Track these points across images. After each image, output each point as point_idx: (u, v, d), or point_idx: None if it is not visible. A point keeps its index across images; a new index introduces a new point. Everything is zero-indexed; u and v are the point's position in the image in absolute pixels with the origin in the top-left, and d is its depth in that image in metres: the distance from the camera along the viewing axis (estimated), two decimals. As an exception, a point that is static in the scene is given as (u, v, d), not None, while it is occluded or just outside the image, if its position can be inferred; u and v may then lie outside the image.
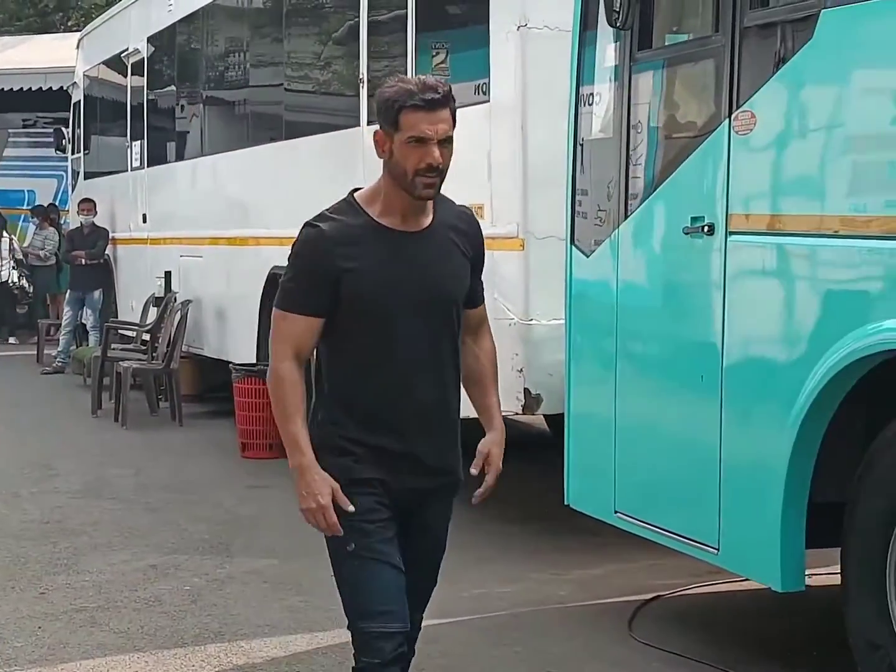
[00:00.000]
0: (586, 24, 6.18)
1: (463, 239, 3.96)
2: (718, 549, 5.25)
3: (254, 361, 11.01)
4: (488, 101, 7.59)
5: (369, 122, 9.23)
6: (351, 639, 3.88)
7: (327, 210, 3.91)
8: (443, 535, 4.10)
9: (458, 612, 6.34)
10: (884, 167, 4.57)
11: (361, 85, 9.32)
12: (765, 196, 5.08)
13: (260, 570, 7.15)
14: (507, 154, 7.48)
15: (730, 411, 5.18)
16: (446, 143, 3.77)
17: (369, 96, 9.24)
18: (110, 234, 15.75)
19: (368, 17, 9.26)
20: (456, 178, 8.03)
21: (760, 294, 5.11)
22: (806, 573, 5.09)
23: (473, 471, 3.99)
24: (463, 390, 4.05)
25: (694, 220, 5.34)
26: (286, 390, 3.83)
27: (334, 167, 9.79)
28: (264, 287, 10.88)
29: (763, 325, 5.10)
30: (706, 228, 5.26)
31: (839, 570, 4.96)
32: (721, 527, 5.23)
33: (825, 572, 5.99)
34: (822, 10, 4.71)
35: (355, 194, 3.92)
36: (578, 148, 6.29)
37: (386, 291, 3.81)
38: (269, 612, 6.39)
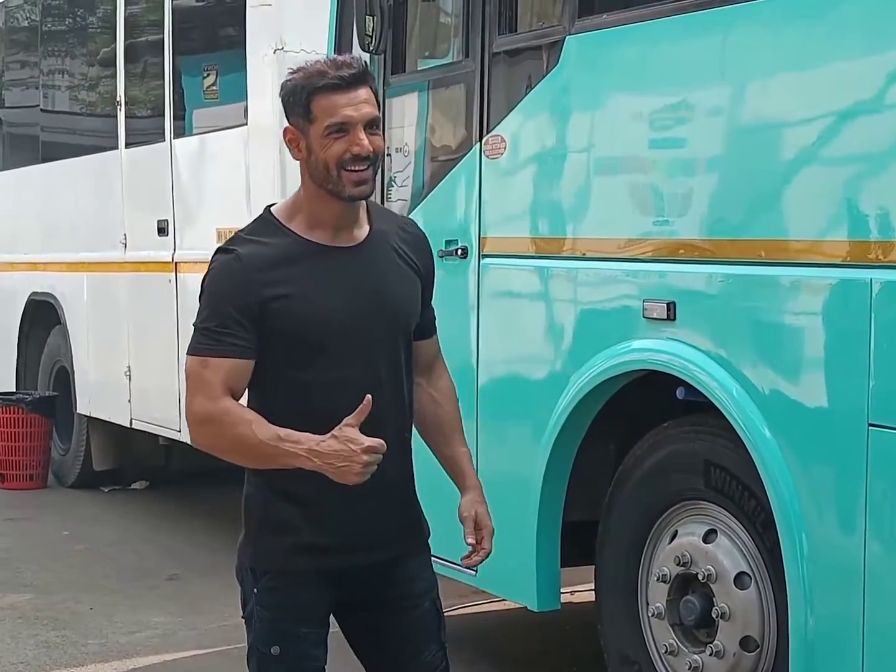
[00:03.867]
0: (341, 48, 6.17)
1: (409, 254, 3.28)
2: (476, 571, 5.27)
3: (13, 389, 10.73)
4: (246, 124, 7.54)
5: (127, 145, 9.08)
6: None
7: (241, 231, 3.21)
8: (434, 599, 3.38)
9: (219, 642, 6.25)
10: (629, 190, 4.65)
11: (119, 107, 9.17)
12: (516, 219, 5.14)
13: (15, 605, 6.95)
14: (266, 176, 7.43)
15: (484, 433, 5.21)
16: (373, 127, 3.12)
17: (127, 118, 9.10)
18: None
19: (125, 39, 9.12)
20: (215, 201, 8.05)
21: (513, 316, 5.16)
22: (567, 591, 5.15)
23: (470, 540, 3.32)
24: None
25: (448, 243, 5.36)
26: (236, 416, 3.06)
27: (92, 191, 9.61)
28: (23, 314, 10.65)
29: (516, 347, 5.15)
30: (460, 251, 5.29)
31: (594, 588, 5.03)
32: (478, 548, 5.24)
33: (587, 588, 6.06)
34: (567, 37, 4.79)
35: (272, 209, 3.23)
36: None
37: (323, 322, 3.12)
38: (24, 648, 6.21)
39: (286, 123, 3.17)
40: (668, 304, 4.36)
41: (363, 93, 3.10)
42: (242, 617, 3.26)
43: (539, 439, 4.89)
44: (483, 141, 5.19)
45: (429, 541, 3.42)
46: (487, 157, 5.18)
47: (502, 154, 5.13)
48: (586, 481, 4.98)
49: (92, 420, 9.71)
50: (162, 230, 8.43)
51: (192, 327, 3.15)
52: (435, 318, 3.45)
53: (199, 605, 6.90)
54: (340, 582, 3.21)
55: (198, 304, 3.16)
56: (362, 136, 3.08)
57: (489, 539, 3.35)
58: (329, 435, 2.99)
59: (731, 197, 4.27)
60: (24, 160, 10.88)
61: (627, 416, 4.83)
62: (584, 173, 4.87)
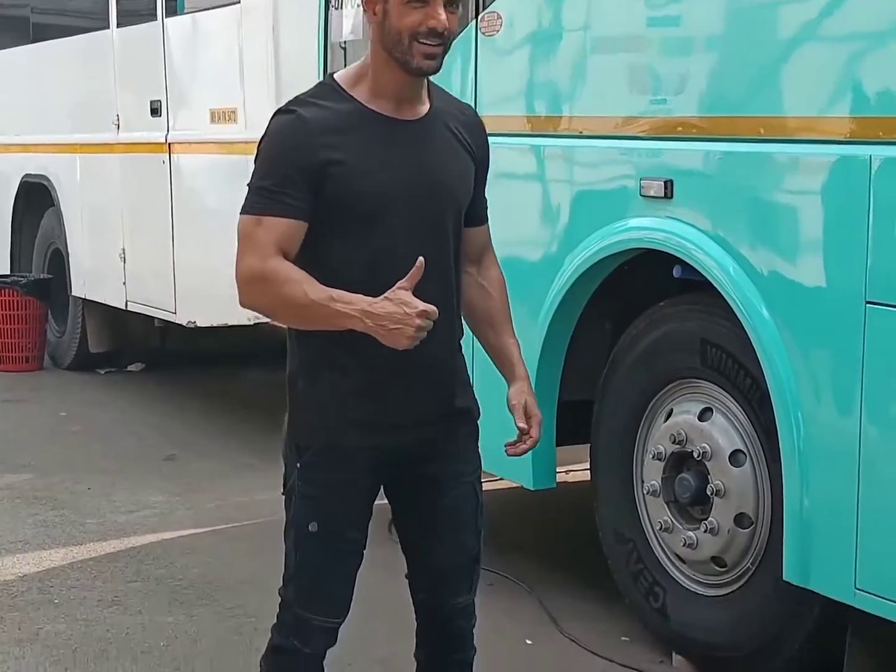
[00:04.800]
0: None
1: (466, 136, 3.23)
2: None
3: (7, 272, 10.72)
4: (238, 2, 7.44)
5: (118, 24, 8.98)
6: (279, 606, 3.30)
7: (303, 94, 3.13)
8: (474, 482, 3.34)
9: (216, 521, 6.31)
10: (626, 67, 4.61)
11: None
12: (512, 97, 5.09)
13: (14, 485, 6.98)
14: (258, 56, 7.35)
15: (481, 313, 5.19)
16: (453, 5, 3.05)
17: (118, -1, 8.99)
18: None
19: None
20: (208, 81, 7.97)
21: (509, 196, 5.09)
22: (560, 470, 5.17)
23: (522, 425, 3.27)
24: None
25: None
26: (286, 275, 3.00)
27: (84, 71, 9.51)
28: (16, 196, 10.60)
29: (512, 228, 5.09)
30: (456, 130, 5.24)
31: (589, 467, 5.05)
32: (475, 427, 5.26)
33: (583, 468, 6.10)
34: None
35: (335, 76, 3.17)
36: (329, 51, 6.20)
37: (381, 190, 3.08)
38: (23, 528, 6.25)
39: None
40: (665, 182, 4.34)
41: None
42: (282, 493, 3.25)
43: (535, 319, 4.88)
44: (479, 18, 5.12)
45: (478, 423, 3.36)
46: (483, 34, 5.11)
47: (498, 31, 5.06)
48: (582, 361, 4.98)
49: (87, 302, 9.70)
50: (155, 111, 8.35)
51: (246, 188, 3.08)
52: (487, 207, 3.39)
53: (196, 485, 6.94)
54: (385, 460, 3.19)
55: (252, 166, 3.10)
56: (441, 10, 3.01)
57: (538, 427, 3.31)
58: (382, 297, 2.96)
59: (730, 74, 4.23)
60: (14, 40, 10.75)
61: (624, 295, 4.82)
62: (582, 51, 4.81)
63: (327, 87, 3.14)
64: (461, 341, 3.31)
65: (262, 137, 3.10)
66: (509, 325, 3.48)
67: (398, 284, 2.97)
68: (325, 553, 3.20)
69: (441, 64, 3.08)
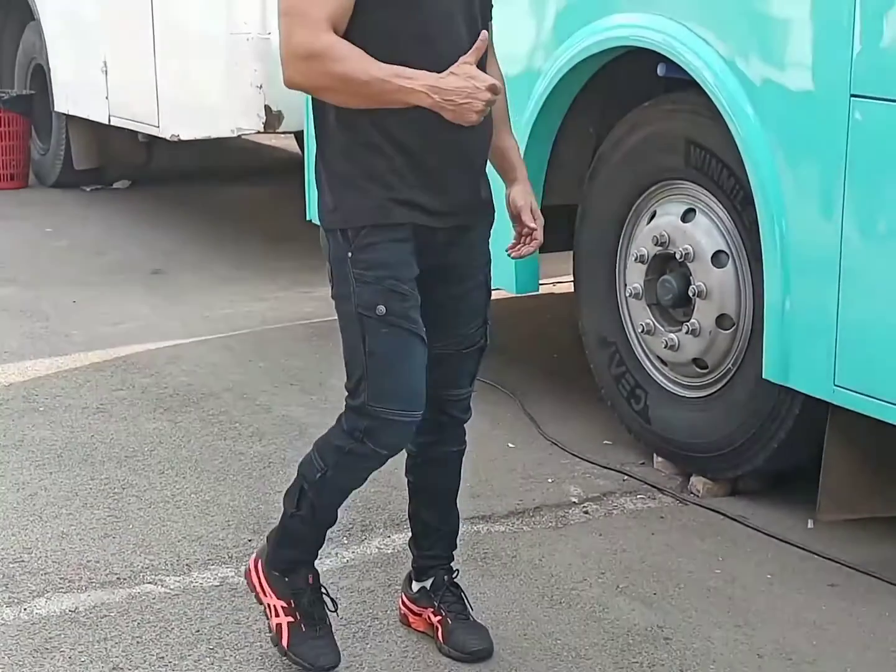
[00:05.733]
0: None
1: None
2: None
3: (-10, 89, 10.57)
4: None
5: None
6: (346, 416, 3.22)
7: None
8: (487, 273, 3.38)
9: (202, 331, 6.31)
10: None
11: None
12: None
13: (-2, 298, 6.98)
14: None
15: (464, 117, 5.12)
16: None
17: None
18: None
19: None
20: None
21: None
22: (546, 282, 5.16)
23: (533, 224, 3.32)
24: None
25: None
26: (344, 51, 2.94)
27: None
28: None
29: (496, 27, 5.02)
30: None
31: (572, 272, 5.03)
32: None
33: (567, 280, 6.08)
34: None
35: None
36: None
37: None
38: (8, 339, 6.23)
39: None
40: (650, -23, 4.25)
41: None
42: (333, 294, 3.19)
43: (518, 122, 4.73)
44: None
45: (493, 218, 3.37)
46: None
47: None
48: (566, 165, 4.93)
49: (71, 118, 9.56)
50: (135, -83, 8.14)
51: None
52: (492, 4, 3.35)
53: (182, 298, 6.93)
54: (422, 243, 3.16)
55: None
56: None
57: (541, 228, 3.34)
58: (447, 72, 2.92)
59: None
60: None
61: (607, 97, 4.76)
62: None
63: None
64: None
65: None
66: (509, 126, 3.43)
67: (462, 59, 2.94)
68: (397, 339, 3.14)
69: None
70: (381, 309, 3.10)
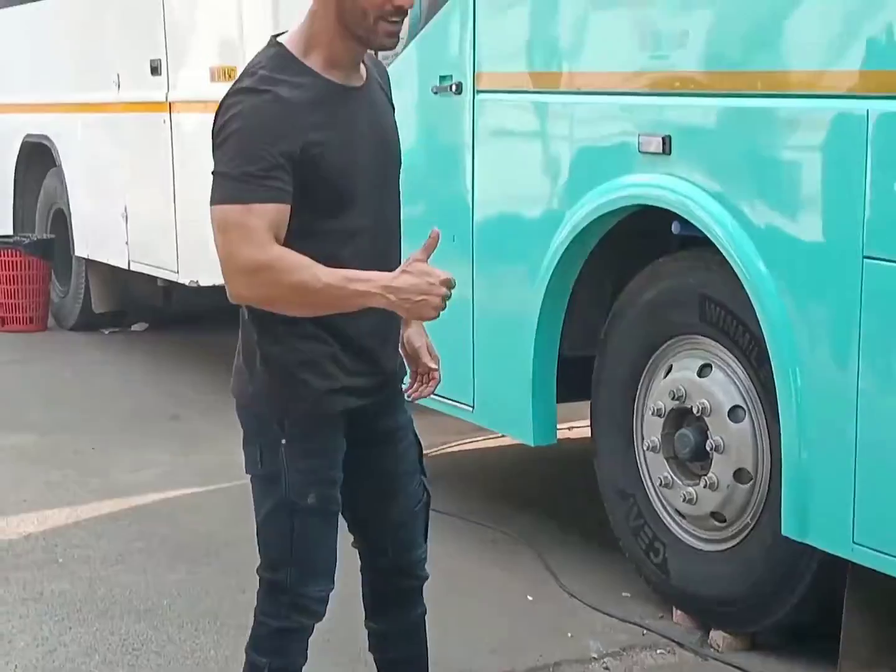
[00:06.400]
0: None
1: (385, 88, 3.25)
2: (473, 407, 5.31)
3: (10, 233, 10.71)
4: (237, -41, 7.43)
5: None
6: (267, 592, 3.23)
7: (260, 68, 2.98)
8: (412, 428, 3.36)
9: (220, 479, 6.32)
10: (625, 22, 4.58)
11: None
12: (511, 54, 5.07)
13: (17, 445, 7.00)
14: (258, 15, 7.34)
15: (481, 269, 5.20)
16: None
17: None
18: None
19: None
20: (208, 40, 7.94)
21: (509, 152, 5.12)
22: (562, 427, 5.19)
23: (434, 365, 3.35)
24: None
25: (442, 78, 5.31)
26: (292, 262, 2.91)
27: (84, 30, 9.47)
28: (18, 156, 10.60)
29: (512, 184, 5.12)
30: (454, 87, 5.24)
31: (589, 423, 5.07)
32: (475, 384, 5.28)
33: (582, 425, 6.11)
34: None
35: (283, 42, 3.03)
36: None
37: (354, 160, 3.03)
38: (27, 487, 6.27)
39: None
40: (663, 139, 4.32)
41: None
42: (256, 474, 3.16)
43: (535, 275, 4.89)
44: (477, -26, 5.11)
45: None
46: (482, -10, 5.10)
47: (497, -13, 5.05)
48: (582, 317, 4.99)
49: (90, 262, 9.70)
50: (155, 69, 8.31)
51: (215, 175, 2.93)
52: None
53: (200, 445, 6.96)
54: (352, 420, 3.17)
55: (218, 149, 2.94)
56: None
57: (440, 368, 3.39)
58: (399, 271, 2.93)
59: (726, 28, 4.21)
60: (14, -1, 10.72)
61: (624, 251, 4.82)
62: (581, 5, 4.80)
63: (282, 57, 2.99)
64: None
65: (232, 118, 2.92)
66: None
67: (413, 256, 2.95)
68: (322, 523, 3.17)
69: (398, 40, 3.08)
70: (312, 498, 3.11)
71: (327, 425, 3.14)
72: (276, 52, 3.00)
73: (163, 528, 5.68)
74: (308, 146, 2.93)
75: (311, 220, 2.99)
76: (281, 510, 3.13)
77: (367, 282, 2.92)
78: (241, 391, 3.22)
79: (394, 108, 3.28)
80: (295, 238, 2.97)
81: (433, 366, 3.36)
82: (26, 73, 10.42)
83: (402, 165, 3.25)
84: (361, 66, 3.11)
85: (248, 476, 3.22)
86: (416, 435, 3.38)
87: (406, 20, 3.06)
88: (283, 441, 3.11)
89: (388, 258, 3.12)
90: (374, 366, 3.17)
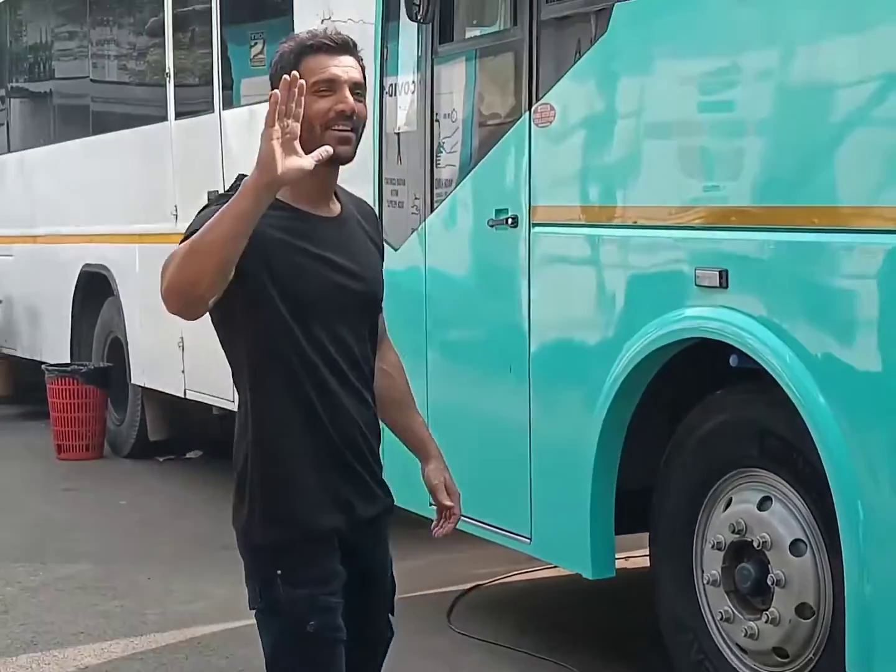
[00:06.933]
0: (388, 17, 6.17)
1: (370, 231, 3.33)
2: (531, 539, 5.29)
3: (67, 361, 10.82)
4: (295, 94, 7.54)
5: (177, 116, 9.12)
6: None
7: (229, 191, 3.08)
8: (391, 566, 3.42)
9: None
10: (679, 156, 4.64)
11: (168, 78, 9.20)
12: (566, 187, 5.13)
13: (74, 575, 7.02)
14: (315, 147, 7.43)
15: (538, 401, 5.22)
16: (359, 93, 3.12)
17: (176, 89, 9.14)
18: None
19: (173, 8, 9.15)
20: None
21: (565, 285, 5.15)
22: (622, 556, 5.16)
23: (449, 503, 3.41)
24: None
25: (498, 212, 5.37)
26: (197, 235, 2.86)
27: (142, 162, 9.65)
28: (76, 286, 10.74)
29: (568, 316, 5.15)
30: (510, 220, 5.29)
31: (648, 554, 5.04)
32: (533, 516, 5.27)
33: (642, 554, 6.07)
34: (616, 4, 4.77)
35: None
36: (385, 140, 6.27)
37: (316, 289, 3.10)
38: (84, 618, 6.27)
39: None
40: (720, 272, 4.35)
41: (350, 59, 3.13)
42: (256, 609, 3.16)
43: (593, 407, 4.89)
44: (532, 109, 5.17)
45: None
46: (537, 125, 5.16)
47: (552, 122, 5.11)
48: (640, 449, 4.98)
49: (146, 390, 9.78)
50: (212, 201, 8.43)
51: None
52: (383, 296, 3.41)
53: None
54: (343, 548, 3.19)
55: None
56: (348, 95, 3.08)
57: (459, 503, 3.43)
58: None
59: (782, 162, 4.25)
60: (74, 132, 10.93)
61: (680, 383, 4.83)
62: (634, 140, 4.85)
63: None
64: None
65: (195, 220, 3.00)
66: (414, 405, 3.53)
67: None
68: (325, 651, 3.14)
69: (355, 151, 3.12)
70: (313, 625, 3.09)
71: (321, 551, 3.15)
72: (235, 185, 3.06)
73: (220, 660, 5.67)
74: (268, 264, 3.00)
75: (263, 341, 3.08)
76: (285, 642, 3.13)
77: (239, 200, 2.82)
78: (236, 525, 3.30)
79: (381, 250, 3.36)
80: (261, 365, 3.09)
81: (449, 503, 3.41)
82: (85, 204, 10.60)
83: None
84: (335, 201, 3.21)
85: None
86: (393, 573, 3.40)
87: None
88: (279, 571, 3.12)
89: (354, 393, 3.16)
90: (348, 485, 3.18)
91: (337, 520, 3.16)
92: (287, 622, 3.11)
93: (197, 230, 2.89)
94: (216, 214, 2.85)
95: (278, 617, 3.12)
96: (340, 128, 3.07)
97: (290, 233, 3.08)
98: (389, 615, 3.38)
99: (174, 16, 9.15)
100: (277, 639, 3.14)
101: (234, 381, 3.22)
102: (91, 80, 10.76)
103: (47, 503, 8.81)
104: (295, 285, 3.07)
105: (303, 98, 2.85)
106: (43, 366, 10.75)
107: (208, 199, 3.17)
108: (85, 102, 10.85)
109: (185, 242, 2.90)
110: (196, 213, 3.10)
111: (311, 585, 3.11)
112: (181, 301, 2.90)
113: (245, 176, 2.94)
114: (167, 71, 9.22)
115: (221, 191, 8.13)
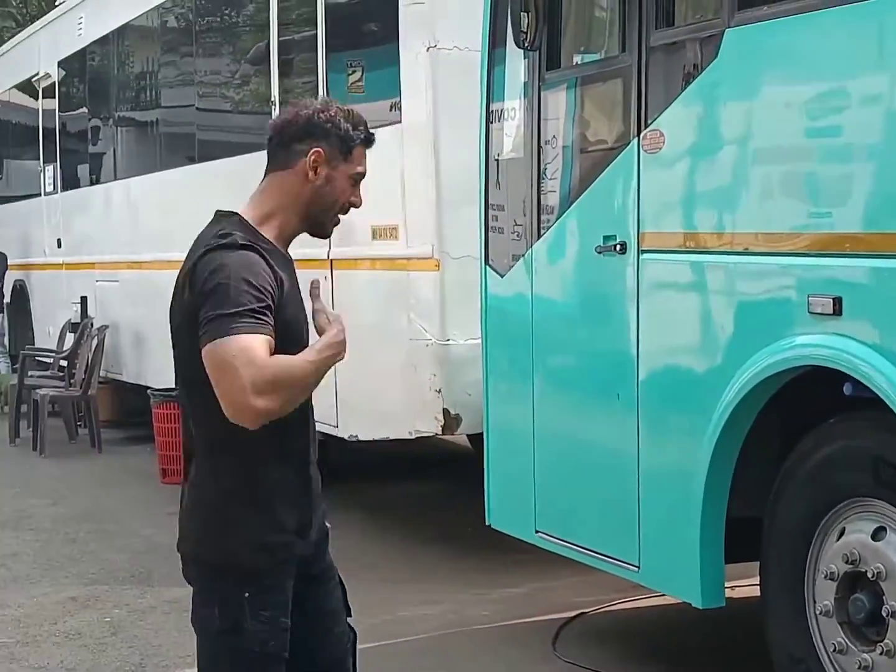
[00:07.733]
0: (495, 44, 6.19)
1: None
2: (639, 567, 5.26)
3: (172, 386, 10.90)
4: (400, 121, 7.58)
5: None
6: None
7: (233, 230, 3.35)
8: (336, 569, 3.62)
9: (376, 636, 6.29)
10: (790, 182, 4.61)
11: (273, 106, 9.28)
12: (675, 214, 5.11)
13: (181, 598, 7.02)
14: (420, 174, 7.47)
15: (646, 428, 5.19)
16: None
17: (281, 117, 9.21)
18: (8, 260, 15.64)
19: (279, 36, 9.23)
20: (370, 199, 8.09)
21: (674, 312, 5.12)
22: (728, 585, 5.11)
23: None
24: None
25: (606, 238, 5.35)
26: (286, 365, 3.18)
27: (247, 190, 9.70)
28: (181, 311, 10.84)
29: (677, 343, 5.13)
30: (618, 247, 5.28)
31: (757, 584, 4.98)
32: (641, 544, 5.24)
33: (748, 584, 6.02)
34: (726, 30, 4.75)
35: (242, 214, 3.44)
36: (490, 166, 6.29)
37: (297, 320, 3.37)
38: (191, 641, 6.18)
39: (315, 144, 3.39)
40: (833, 300, 4.30)
41: None
42: (209, 628, 3.39)
43: (703, 434, 4.85)
44: (641, 136, 5.16)
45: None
46: (646, 151, 5.15)
47: (661, 149, 5.09)
48: (751, 477, 4.93)
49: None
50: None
51: (208, 319, 3.17)
52: None
53: (367, 602, 6.94)
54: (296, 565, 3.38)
55: (208, 297, 3.20)
56: (360, 192, 3.47)
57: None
58: (330, 331, 3.30)
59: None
60: (180, 160, 11.07)
61: (792, 411, 4.78)
62: (744, 166, 4.82)
63: (245, 226, 3.37)
64: None
65: (219, 268, 3.22)
66: None
67: (323, 309, 3.36)
68: (278, 670, 3.35)
69: None
70: (273, 644, 3.31)
71: (284, 575, 3.34)
72: (238, 221, 3.41)
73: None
74: (279, 296, 3.28)
75: None
76: (240, 661, 3.33)
77: (317, 356, 3.22)
78: (194, 548, 3.53)
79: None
80: None
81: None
82: (189, 231, 10.67)
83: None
84: None
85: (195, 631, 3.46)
86: (339, 575, 3.59)
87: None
88: (246, 595, 3.29)
89: (309, 417, 3.47)
90: (309, 512, 3.42)
91: (307, 546, 3.40)
92: (248, 642, 3.30)
93: (243, 310, 3.15)
94: (310, 360, 3.20)
95: (240, 637, 3.31)
96: (340, 217, 3.48)
97: (282, 269, 3.34)
98: (350, 614, 3.60)
99: (279, 43, 9.23)
100: (232, 657, 3.35)
101: (202, 411, 3.32)
102: (197, 108, 10.89)
103: (152, 526, 8.89)
104: (286, 314, 3.31)
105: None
106: (148, 391, 10.87)
107: (224, 238, 3.33)
108: (191, 131, 10.98)
109: (280, 370, 3.14)
110: (214, 259, 3.29)
111: (275, 608, 3.31)
112: (265, 421, 3.16)
113: (226, 212, 3.45)
114: (272, 99, 9.30)
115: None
